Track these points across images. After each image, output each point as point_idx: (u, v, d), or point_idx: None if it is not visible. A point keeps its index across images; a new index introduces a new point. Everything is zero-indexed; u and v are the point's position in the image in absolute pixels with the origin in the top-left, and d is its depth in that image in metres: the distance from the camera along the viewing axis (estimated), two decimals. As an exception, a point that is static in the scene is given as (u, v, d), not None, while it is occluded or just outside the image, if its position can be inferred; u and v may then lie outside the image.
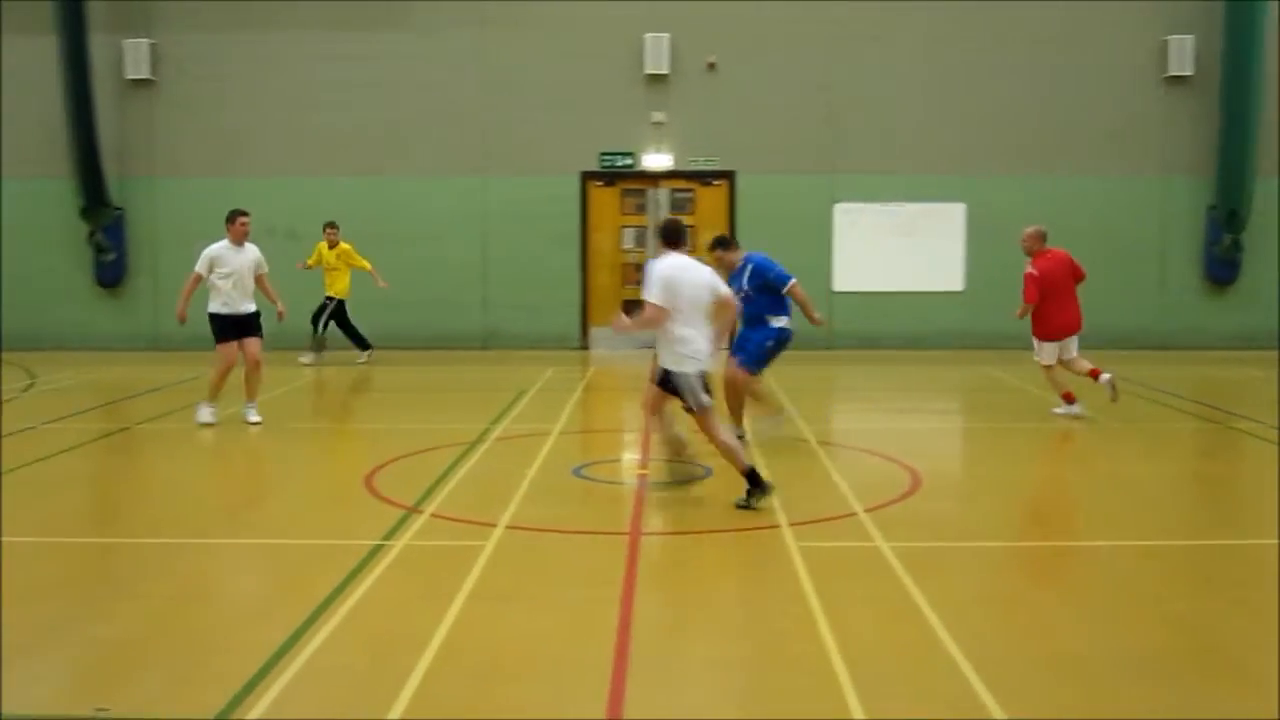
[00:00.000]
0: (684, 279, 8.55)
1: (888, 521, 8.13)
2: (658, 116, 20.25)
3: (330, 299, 18.10)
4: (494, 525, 7.97)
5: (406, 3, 20.23)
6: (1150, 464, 10.46)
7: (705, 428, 8.66)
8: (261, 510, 9.38)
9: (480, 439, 11.47)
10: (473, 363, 18.76)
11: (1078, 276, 12.64)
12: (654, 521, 8.34)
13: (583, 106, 20.17)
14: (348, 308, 18.28)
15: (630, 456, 11.20)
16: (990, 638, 5.84)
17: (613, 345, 20.37)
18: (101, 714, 4.97)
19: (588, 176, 20.49)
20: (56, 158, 20.09)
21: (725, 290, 8.92)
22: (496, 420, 12.61)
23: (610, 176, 20.56)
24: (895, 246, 20.31)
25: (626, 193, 20.73)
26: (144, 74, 20.31)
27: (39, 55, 19.86)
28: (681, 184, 20.66)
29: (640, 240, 20.75)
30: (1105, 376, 12.37)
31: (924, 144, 20.10)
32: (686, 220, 20.59)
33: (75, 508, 9.55)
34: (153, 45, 20.34)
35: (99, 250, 20.39)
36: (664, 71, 20.04)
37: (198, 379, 15.88)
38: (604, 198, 20.67)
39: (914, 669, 5.44)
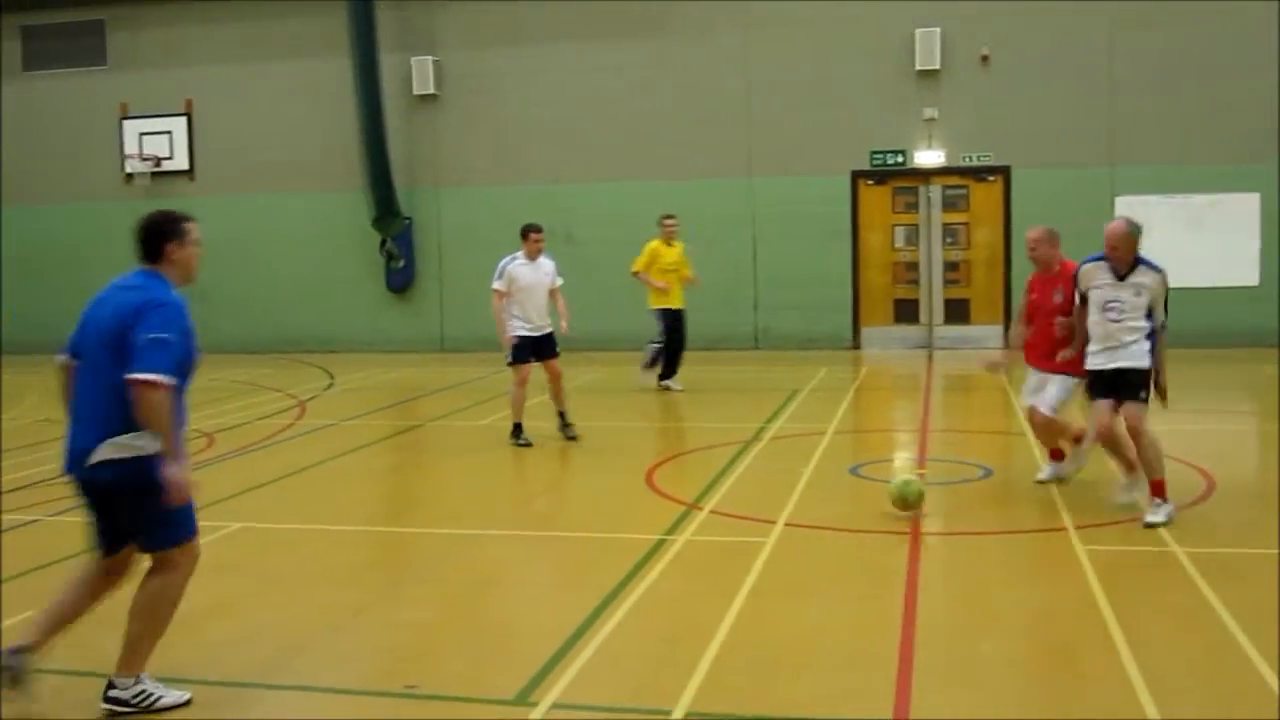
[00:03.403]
0: None
1: (1181, 525, 7.81)
2: (929, 112, 19.93)
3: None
4: (773, 522, 8.05)
5: (672, 5, 20.52)
6: None
7: None
8: (549, 504, 9.76)
9: (756, 438, 11.57)
10: (745, 363, 18.88)
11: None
12: (934, 521, 8.26)
13: (852, 105, 20.03)
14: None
15: (906, 456, 11.08)
16: (1299, 648, 5.56)
17: (887, 345, 20.22)
18: (411, 690, 5.30)
19: (858, 175, 20.34)
20: (351, 172, 21.29)
21: None
22: (771, 419, 12.69)
23: (881, 175, 20.36)
24: (1182, 240, 19.36)
25: (898, 191, 20.47)
26: (429, 90, 21.33)
27: (334, 76, 21.14)
28: (954, 181, 20.27)
29: (912, 239, 20.47)
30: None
31: (1213, 131, 19.07)
32: (960, 218, 20.33)
33: (374, 499, 10.15)
34: (436, 62, 21.33)
35: (390, 258, 21.51)
36: (935, 66, 19.71)
37: (483, 379, 16.59)
38: (875, 196, 20.48)
39: (1213, 678, 5.24)
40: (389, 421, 13.84)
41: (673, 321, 15.26)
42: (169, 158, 22.50)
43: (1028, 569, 7.05)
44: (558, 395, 11.76)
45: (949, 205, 20.33)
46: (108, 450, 4.99)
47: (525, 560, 7.79)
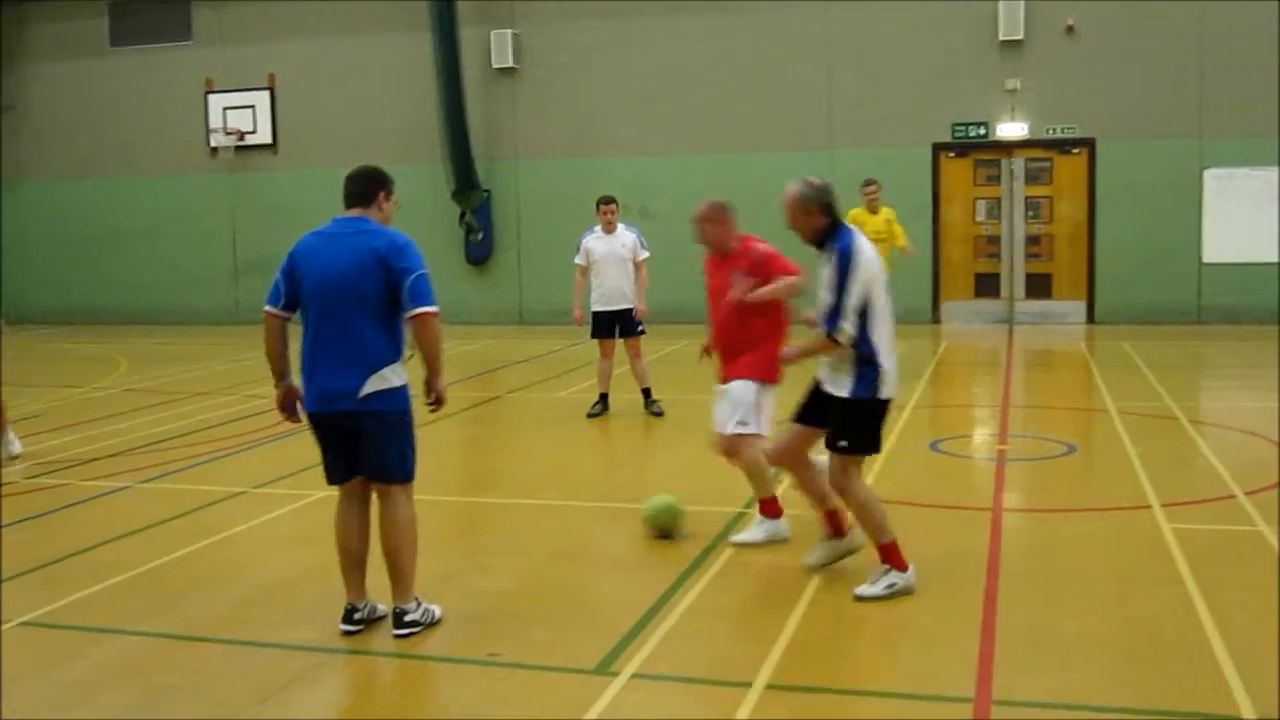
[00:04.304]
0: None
1: (1272, 505, 7.67)
2: (1012, 83, 19.64)
3: None
4: (852, 497, 8.01)
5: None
6: None
7: None
8: (629, 476, 9.79)
9: (833, 412, 11.52)
10: (821, 337, 18.75)
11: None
12: (1015, 497, 8.19)
13: (934, 76, 19.79)
14: None
15: (987, 432, 10.98)
16: (1394, 631, 5.44)
17: (967, 319, 20.03)
18: (493, 658, 5.36)
19: (939, 147, 20.11)
20: (430, 145, 21.44)
21: None
22: (849, 394, 12.62)
23: (963, 147, 20.11)
24: (1274, 214, 18.93)
25: (980, 163, 20.21)
26: (508, 63, 21.39)
27: (414, 49, 21.28)
28: (1038, 153, 19.97)
29: (994, 212, 20.21)
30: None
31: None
32: (1043, 191, 20.03)
33: (456, 469, 10.25)
34: (515, 35, 21.38)
35: (469, 230, 21.65)
36: (1019, 37, 19.40)
37: (561, 352, 16.67)
38: (956, 169, 20.24)
39: (1306, 660, 5.15)
40: (468, 393, 13.93)
41: None
42: (252, 131, 22.79)
43: (1112, 547, 6.96)
44: (638, 373, 11.76)
45: (1032, 178, 20.05)
46: (374, 383, 5.52)
47: (606, 532, 7.83)
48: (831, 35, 20.17)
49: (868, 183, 14.57)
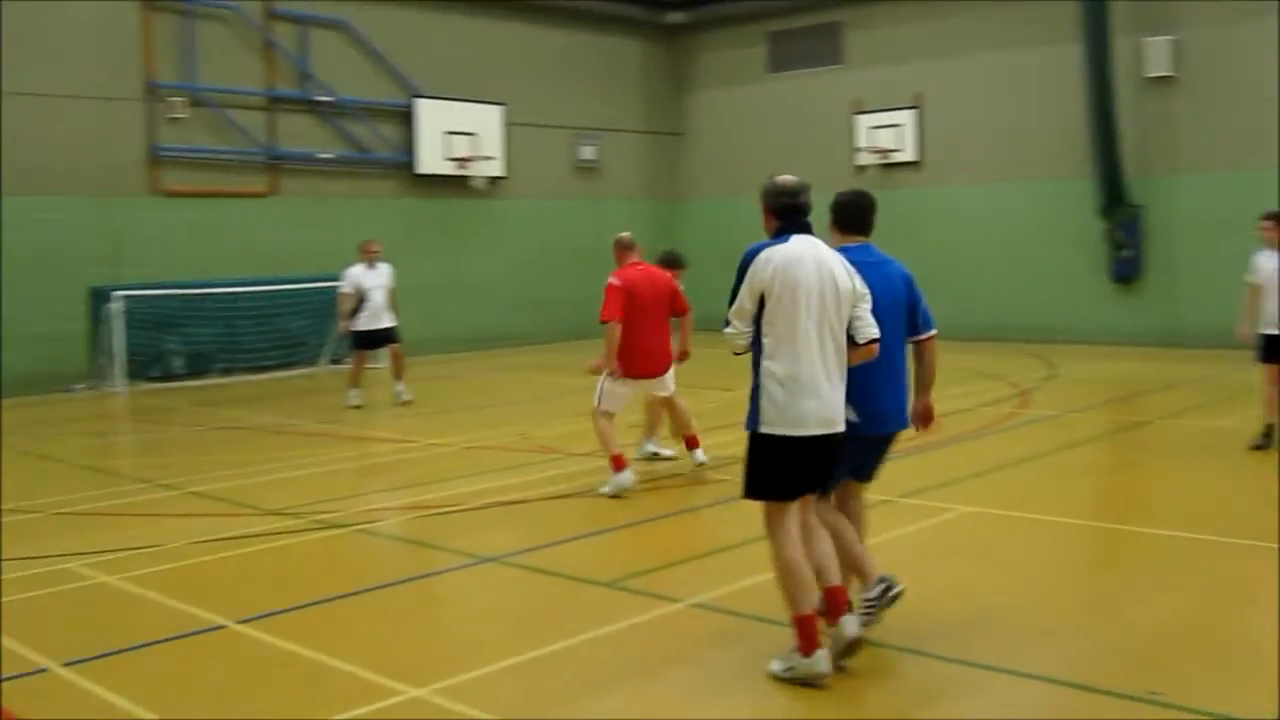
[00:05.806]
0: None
1: None
2: None
3: None
4: None
5: None
6: None
7: None
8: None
9: None
10: None
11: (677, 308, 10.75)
12: None
13: None
14: None
15: None
16: None
17: None
18: (1156, 697, 5.06)
19: None
20: (1073, 159, 20.77)
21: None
22: None
23: None
24: None
25: None
26: (1164, 71, 20.22)
27: (1059, 62, 20.73)
28: None
29: None
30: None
31: None
32: None
33: (1097, 494, 9.86)
34: (1173, 42, 20.17)
35: (1117, 247, 20.69)
36: None
37: (1219, 377, 15.52)
38: None
39: None
40: (1112, 416, 13.35)
41: None
42: (898, 150, 23.21)
43: None
44: None
45: None
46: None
47: (1273, 573, 7.17)
48: None
49: None
